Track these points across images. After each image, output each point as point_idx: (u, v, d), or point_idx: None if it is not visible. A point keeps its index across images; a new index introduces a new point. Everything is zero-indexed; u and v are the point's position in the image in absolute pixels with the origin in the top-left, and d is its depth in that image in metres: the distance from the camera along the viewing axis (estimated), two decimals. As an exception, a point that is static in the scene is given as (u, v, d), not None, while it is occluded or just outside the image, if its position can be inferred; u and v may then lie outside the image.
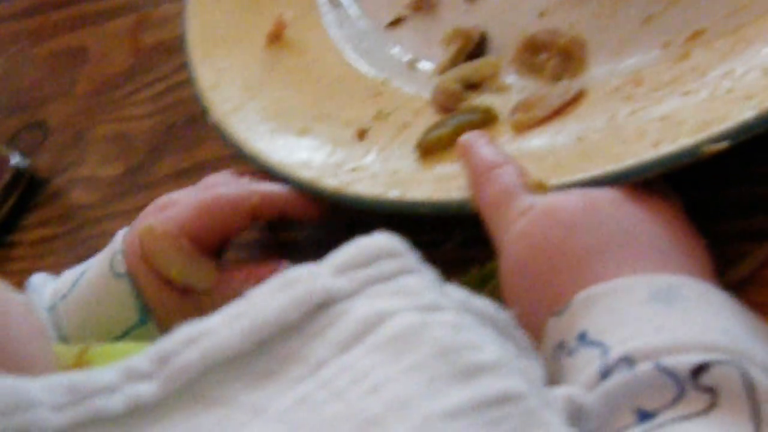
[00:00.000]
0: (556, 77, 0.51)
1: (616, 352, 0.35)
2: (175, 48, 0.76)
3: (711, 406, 0.33)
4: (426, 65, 0.57)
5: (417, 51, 0.58)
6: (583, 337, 0.37)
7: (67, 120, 0.86)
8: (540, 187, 0.43)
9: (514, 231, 0.42)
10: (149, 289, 0.51)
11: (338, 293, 0.30)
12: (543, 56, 0.52)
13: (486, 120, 0.50)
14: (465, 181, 0.46)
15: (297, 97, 0.59)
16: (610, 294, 0.38)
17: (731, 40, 0.45)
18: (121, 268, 0.52)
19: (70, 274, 0.55)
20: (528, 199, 0.43)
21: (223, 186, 0.54)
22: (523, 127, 0.49)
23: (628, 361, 0.35)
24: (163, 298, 0.51)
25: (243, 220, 0.54)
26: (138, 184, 0.74)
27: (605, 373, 0.35)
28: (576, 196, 0.42)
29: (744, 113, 0.40)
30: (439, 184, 0.48)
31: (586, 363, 0.36)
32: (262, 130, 0.57)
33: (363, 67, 0.59)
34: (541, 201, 0.42)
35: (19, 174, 0.80)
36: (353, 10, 0.63)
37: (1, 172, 0.80)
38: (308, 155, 0.55)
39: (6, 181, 0.79)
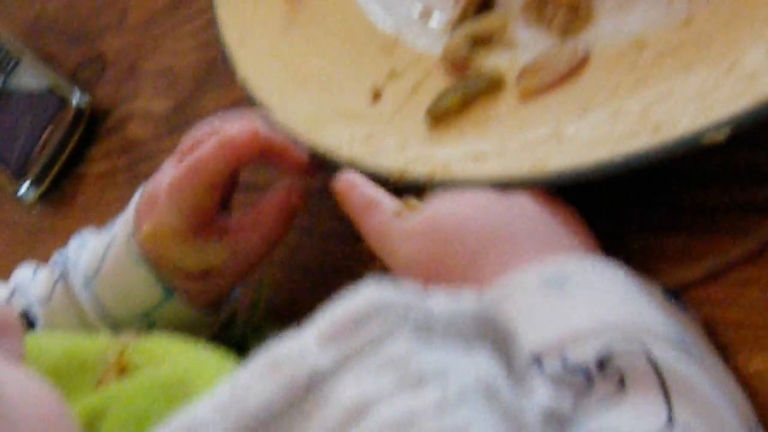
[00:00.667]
0: (564, 31, 0.46)
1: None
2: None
3: (621, 390, 0.32)
4: (438, 17, 0.52)
5: (429, 2, 0.53)
6: None
7: (122, 52, 0.83)
8: (412, 208, 0.42)
9: (400, 259, 0.41)
10: (170, 277, 0.49)
11: (324, 371, 0.27)
12: (550, 8, 0.47)
13: (493, 86, 0.46)
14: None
15: (315, 53, 0.55)
16: (504, 291, 0.37)
17: (735, 6, 0.40)
18: (138, 255, 0.49)
19: (99, 243, 0.52)
20: (402, 225, 0.41)
21: (199, 148, 0.49)
22: (529, 95, 0.45)
23: (536, 359, 0.34)
24: (186, 284, 0.49)
25: (228, 168, 0.48)
26: (186, 121, 0.72)
27: None
28: (447, 205, 0.41)
29: (746, 100, 0.36)
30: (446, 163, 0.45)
31: None
32: (283, 92, 0.53)
33: (378, 18, 0.55)
34: (414, 221, 0.41)
35: (80, 112, 0.78)
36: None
37: (63, 111, 0.78)
38: (324, 120, 0.51)
39: (69, 121, 0.78)
